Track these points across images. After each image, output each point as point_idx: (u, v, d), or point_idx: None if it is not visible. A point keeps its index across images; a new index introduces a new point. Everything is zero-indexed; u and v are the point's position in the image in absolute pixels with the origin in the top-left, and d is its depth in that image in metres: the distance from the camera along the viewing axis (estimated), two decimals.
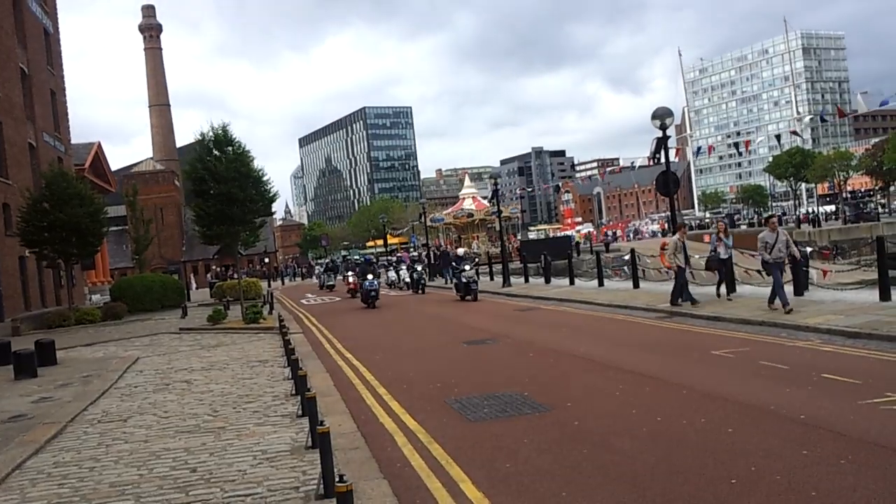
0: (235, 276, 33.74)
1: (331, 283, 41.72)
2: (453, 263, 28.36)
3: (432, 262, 43.53)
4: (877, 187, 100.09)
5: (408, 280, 35.04)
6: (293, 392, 10.63)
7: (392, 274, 39.88)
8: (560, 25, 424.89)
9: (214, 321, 23.53)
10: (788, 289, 17.04)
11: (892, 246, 14.19)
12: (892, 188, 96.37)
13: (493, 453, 7.16)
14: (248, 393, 11.40)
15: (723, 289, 17.58)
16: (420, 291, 32.76)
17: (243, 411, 10.01)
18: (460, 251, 32.09)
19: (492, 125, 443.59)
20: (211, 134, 23.76)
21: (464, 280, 25.81)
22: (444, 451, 7.32)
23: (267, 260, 79.83)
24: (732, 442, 6.84)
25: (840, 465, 5.92)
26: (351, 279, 33.60)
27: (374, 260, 36.23)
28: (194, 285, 60.91)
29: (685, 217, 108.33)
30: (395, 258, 54.77)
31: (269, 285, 49.26)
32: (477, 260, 42.65)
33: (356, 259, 42.36)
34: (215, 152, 23.40)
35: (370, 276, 27.31)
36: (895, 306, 13.31)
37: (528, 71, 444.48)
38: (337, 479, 4.76)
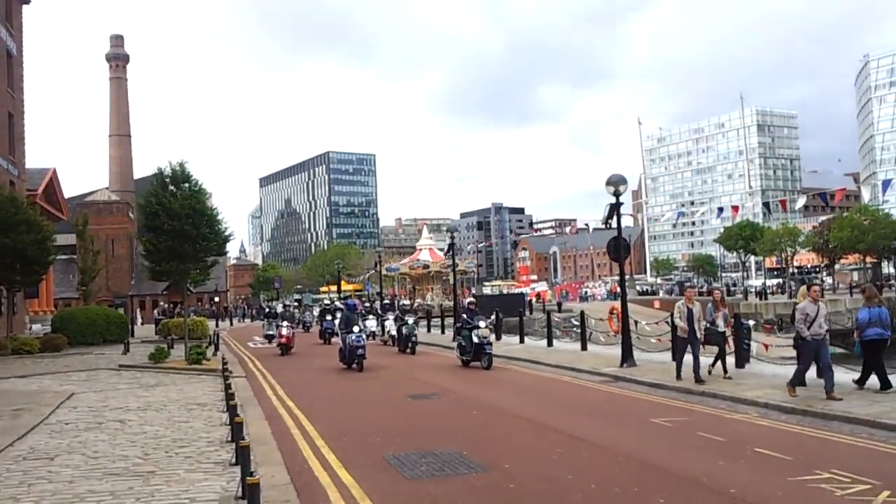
0: (183, 313, 32.96)
1: (271, 332, 32.92)
2: (464, 316, 21.36)
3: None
4: (822, 264, 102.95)
5: (393, 333, 28.48)
6: (229, 438, 10.42)
7: (371, 323, 30.59)
8: (530, 86, 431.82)
9: (156, 360, 22.98)
10: (730, 360, 17.39)
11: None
12: (836, 266, 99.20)
13: None
14: (183, 437, 11.15)
15: (718, 365, 15.77)
16: (409, 351, 25.39)
17: (175, 456, 9.77)
18: (468, 299, 25.42)
19: (455, 177, 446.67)
20: (169, 170, 23.70)
21: (475, 340, 19.62)
22: None
23: (217, 299, 78.51)
24: None
25: None
26: (285, 331, 27.41)
27: (359, 306, 29.25)
28: (140, 320, 59.55)
29: (637, 282, 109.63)
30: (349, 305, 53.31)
31: (217, 325, 48.32)
32: (421, 312, 40.51)
33: (325, 304, 38.41)
34: (171, 188, 23.33)
35: (356, 329, 20.80)
36: None
37: (497, 126, 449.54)
38: None
